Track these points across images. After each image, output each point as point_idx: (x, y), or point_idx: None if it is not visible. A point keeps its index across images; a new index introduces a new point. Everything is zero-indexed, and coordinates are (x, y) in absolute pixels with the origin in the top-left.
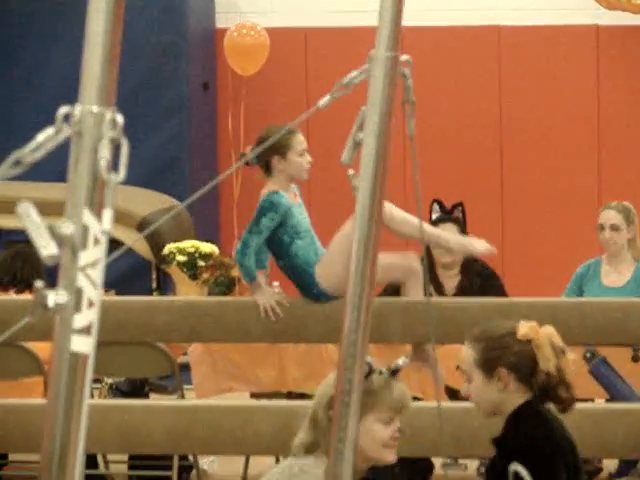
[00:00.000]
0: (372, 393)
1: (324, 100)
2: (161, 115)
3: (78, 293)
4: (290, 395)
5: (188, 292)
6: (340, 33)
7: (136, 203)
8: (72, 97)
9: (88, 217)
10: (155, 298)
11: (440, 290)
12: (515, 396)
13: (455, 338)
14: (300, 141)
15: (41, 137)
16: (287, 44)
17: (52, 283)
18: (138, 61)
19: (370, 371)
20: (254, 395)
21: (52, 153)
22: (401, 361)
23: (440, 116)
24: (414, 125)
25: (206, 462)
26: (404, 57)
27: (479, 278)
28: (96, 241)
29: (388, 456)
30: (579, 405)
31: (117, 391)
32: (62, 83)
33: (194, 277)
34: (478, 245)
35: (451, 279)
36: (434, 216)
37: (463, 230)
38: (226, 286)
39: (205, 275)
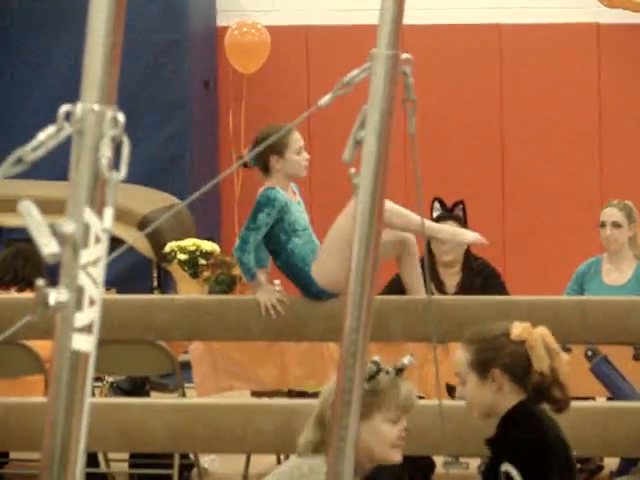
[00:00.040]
0: (379, 393)
1: (325, 99)
2: (162, 113)
3: (79, 291)
4: (291, 393)
5: (189, 290)
6: (341, 31)
7: (137, 201)
8: (73, 96)
9: (89, 215)
10: (156, 296)
11: (441, 288)
12: (509, 397)
13: (456, 336)
14: (297, 139)
15: (42, 135)
16: (288, 42)
17: (53, 281)
18: (139, 59)
19: (378, 371)
20: (255, 393)
21: (53, 151)
22: (406, 360)
23: (441, 114)
24: (415, 123)
25: (207, 460)
26: (405, 55)
27: (480, 276)
28: (97, 239)
29: (395, 456)
30: (580, 403)
31: (118, 389)
32: (63, 82)
33: (195, 275)
34: (469, 235)
35: (452, 277)
36: (435, 214)
37: (464, 228)
38: (227, 284)
39: (206, 273)
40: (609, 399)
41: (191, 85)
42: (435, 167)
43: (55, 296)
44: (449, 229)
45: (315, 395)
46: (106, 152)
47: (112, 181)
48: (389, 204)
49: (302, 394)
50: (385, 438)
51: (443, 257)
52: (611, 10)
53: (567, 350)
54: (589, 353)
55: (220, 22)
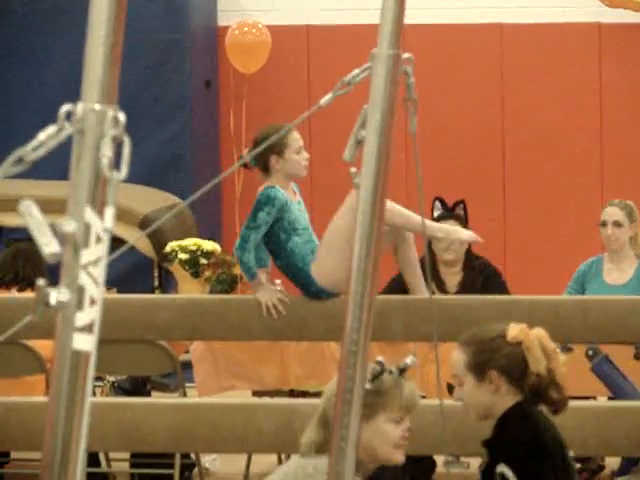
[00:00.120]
0: (383, 393)
1: (326, 98)
2: (163, 113)
3: (80, 291)
4: (292, 393)
5: (190, 290)
6: (342, 31)
7: (138, 201)
8: (74, 96)
9: (90, 215)
10: (157, 296)
11: (442, 287)
12: (506, 399)
13: (457, 336)
14: (296, 139)
15: (43, 135)
16: (289, 42)
17: (54, 281)
18: (140, 59)
19: (382, 371)
20: (256, 393)
21: (54, 151)
22: (409, 360)
23: (442, 114)
24: (416, 123)
25: (208, 460)
26: (406, 55)
27: (481, 276)
28: (98, 239)
29: (398, 457)
30: (581, 403)
31: (119, 389)
32: (64, 82)
33: (196, 275)
34: (462, 233)
35: (453, 276)
36: (436, 214)
37: (465, 228)
38: (228, 284)
39: (207, 273)
40: (610, 399)
41: (192, 85)
42: (436, 166)
43: (56, 296)
44: (444, 227)
45: (317, 395)
46: (107, 152)
47: (113, 181)
48: (389, 203)
49: (304, 394)
50: (388, 438)
51: (444, 256)
52: (612, 10)
53: (568, 349)
54: (590, 352)
55: (221, 22)
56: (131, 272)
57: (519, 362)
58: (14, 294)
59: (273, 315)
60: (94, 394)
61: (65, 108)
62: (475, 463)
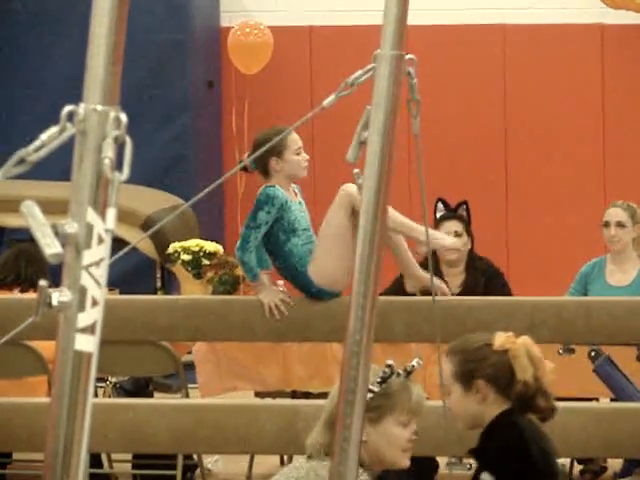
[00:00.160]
0: (391, 396)
1: (329, 100)
2: (165, 114)
3: (82, 292)
4: (295, 394)
5: (192, 291)
6: (344, 32)
7: (140, 202)
8: (76, 97)
9: (92, 216)
10: (159, 297)
11: None
12: (493, 407)
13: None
14: (295, 140)
15: (45, 136)
16: (291, 43)
17: (56, 282)
18: (142, 60)
19: (391, 374)
20: (258, 394)
21: (56, 152)
22: (415, 362)
23: (445, 115)
24: (419, 124)
25: (210, 461)
26: (409, 56)
27: (484, 276)
28: (100, 240)
29: (404, 460)
30: (584, 404)
31: (121, 390)
32: (65, 83)
33: (198, 276)
34: (446, 240)
35: (456, 277)
36: (438, 215)
37: (468, 228)
38: (230, 285)
39: (209, 274)
40: (612, 400)
41: (194, 85)
42: (438, 167)
43: (58, 297)
44: (431, 232)
45: (319, 396)
46: (109, 152)
47: (115, 181)
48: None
49: (306, 395)
50: (396, 441)
51: (446, 256)
52: (615, 11)
53: (570, 351)
54: (592, 354)
55: (223, 23)
56: (133, 273)
57: (506, 371)
58: (16, 295)
59: (276, 316)
60: (96, 395)
61: (67, 109)
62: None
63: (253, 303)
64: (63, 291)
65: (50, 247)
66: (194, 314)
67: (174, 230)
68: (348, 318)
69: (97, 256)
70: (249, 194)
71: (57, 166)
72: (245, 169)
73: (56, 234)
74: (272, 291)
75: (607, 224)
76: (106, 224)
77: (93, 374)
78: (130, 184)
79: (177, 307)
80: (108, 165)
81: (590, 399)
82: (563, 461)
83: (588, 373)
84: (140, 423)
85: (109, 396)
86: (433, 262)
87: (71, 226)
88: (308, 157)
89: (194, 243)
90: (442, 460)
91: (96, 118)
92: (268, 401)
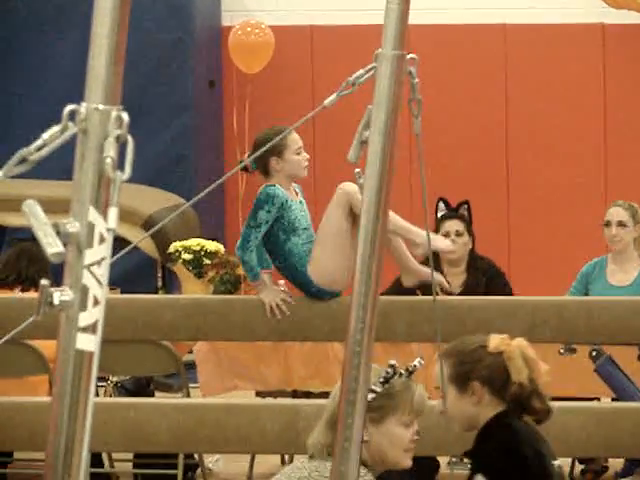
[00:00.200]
0: (393, 396)
1: (330, 99)
2: (167, 113)
3: (83, 291)
4: (295, 393)
5: (193, 290)
6: (345, 31)
7: (142, 201)
8: (77, 96)
9: (93, 215)
10: (160, 296)
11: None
12: (489, 409)
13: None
14: (295, 140)
15: (47, 135)
16: (292, 42)
17: (57, 281)
18: (144, 59)
19: (394, 374)
20: (259, 393)
21: (57, 151)
22: (417, 362)
23: (446, 114)
24: (420, 123)
25: (211, 461)
26: (410, 55)
27: (485, 276)
28: (101, 239)
29: (407, 461)
30: (585, 404)
31: (122, 389)
32: (67, 82)
33: (199, 275)
34: (441, 242)
35: (457, 277)
36: (439, 214)
37: (469, 228)
38: (232, 284)
39: (211, 273)
40: (614, 400)
41: (195, 85)
42: (440, 167)
43: (59, 296)
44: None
45: (320, 395)
46: (110, 152)
47: (117, 181)
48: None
49: (307, 394)
50: (399, 442)
51: (447, 255)
52: (616, 11)
53: (572, 350)
54: (594, 353)
55: (224, 22)
56: (135, 272)
57: (501, 372)
58: (17, 294)
59: (277, 316)
60: (97, 394)
61: (69, 108)
62: None
63: (254, 303)
64: (64, 290)
65: (52, 246)
66: (195, 313)
67: (175, 229)
68: (349, 318)
69: (98, 255)
70: (250, 194)
71: (59, 165)
72: (246, 169)
73: (58, 233)
74: (273, 291)
75: (608, 224)
76: (108, 223)
77: (94, 373)
78: (131, 183)
79: (178, 306)
80: (110, 164)
81: (591, 399)
82: (564, 461)
83: (589, 373)
84: (141, 422)
85: (110, 395)
86: (434, 262)
87: (73, 225)
88: (308, 157)
89: (195, 242)
90: (443, 460)
91: (98, 117)
92: (269, 401)
